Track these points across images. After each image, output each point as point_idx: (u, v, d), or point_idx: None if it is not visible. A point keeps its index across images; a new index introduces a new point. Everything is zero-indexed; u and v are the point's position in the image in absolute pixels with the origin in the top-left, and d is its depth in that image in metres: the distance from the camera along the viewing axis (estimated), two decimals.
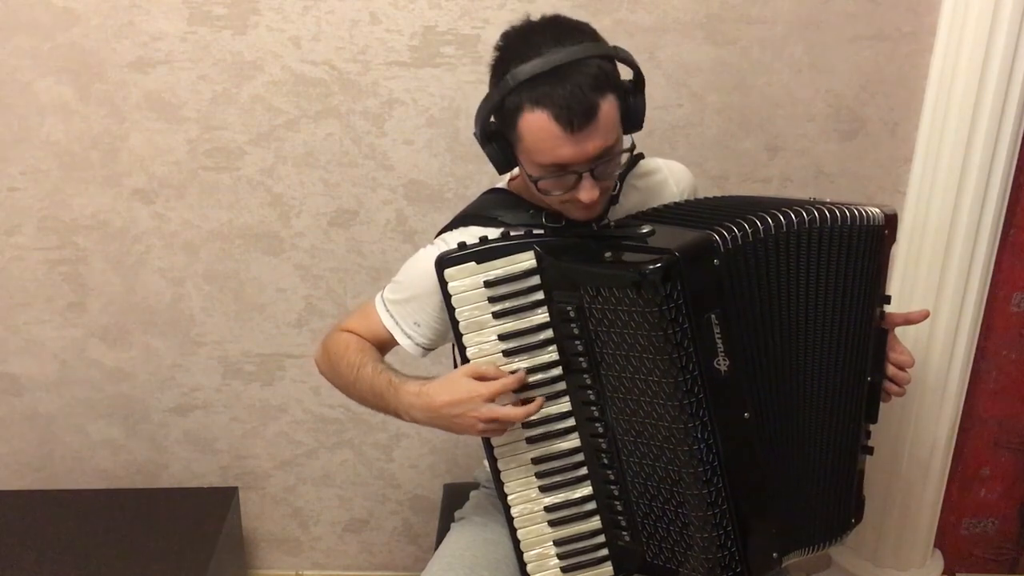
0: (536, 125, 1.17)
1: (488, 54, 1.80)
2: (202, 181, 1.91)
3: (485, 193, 1.43)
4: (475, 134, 1.28)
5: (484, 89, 1.81)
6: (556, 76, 1.15)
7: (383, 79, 1.83)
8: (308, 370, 2.07)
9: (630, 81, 1.24)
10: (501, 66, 1.22)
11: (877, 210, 1.27)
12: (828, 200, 1.30)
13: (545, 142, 1.17)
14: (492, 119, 1.25)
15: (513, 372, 1.25)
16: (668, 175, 1.46)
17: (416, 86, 1.84)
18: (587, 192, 1.20)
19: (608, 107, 1.17)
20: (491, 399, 1.22)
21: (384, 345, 1.41)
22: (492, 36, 1.78)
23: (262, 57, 1.82)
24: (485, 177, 1.84)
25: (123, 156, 1.89)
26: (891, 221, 1.29)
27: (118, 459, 2.15)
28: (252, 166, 1.90)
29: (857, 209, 1.25)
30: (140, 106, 1.85)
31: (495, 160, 1.27)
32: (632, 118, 1.24)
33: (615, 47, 1.22)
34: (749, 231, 1.18)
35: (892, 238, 1.31)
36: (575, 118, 1.15)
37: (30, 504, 2.02)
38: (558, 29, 1.20)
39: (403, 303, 1.37)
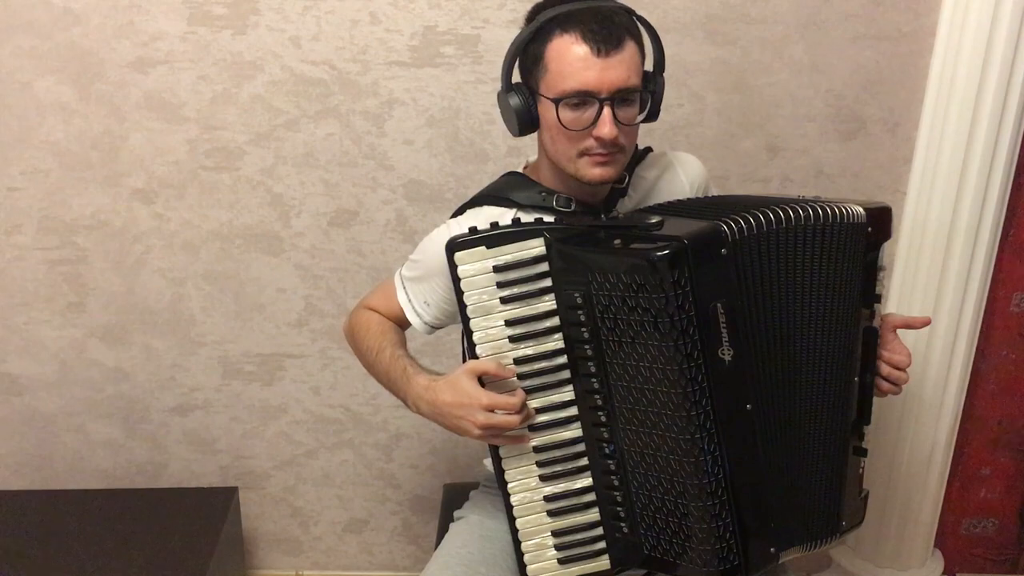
0: (564, 47, 1.22)
1: (488, 54, 1.82)
2: (202, 181, 1.91)
3: (501, 176, 1.45)
4: (499, 93, 1.32)
5: (484, 89, 1.83)
6: (588, 12, 1.22)
7: (383, 79, 1.83)
8: (308, 370, 2.07)
9: (653, 65, 1.31)
10: (533, 14, 1.28)
11: (859, 208, 1.28)
12: (812, 197, 1.31)
13: (572, 64, 1.21)
14: (517, 68, 1.30)
15: (516, 360, 1.26)
16: (677, 166, 1.47)
17: (416, 86, 1.84)
18: (607, 127, 1.22)
19: (633, 49, 1.24)
20: (489, 408, 1.23)
21: (401, 322, 1.46)
22: (492, 36, 1.79)
23: (262, 57, 1.82)
24: (485, 177, 1.84)
25: (123, 156, 1.89)
26: (877, 217, 1.29)
27: (118, 459, 2.15)
28: (252, 166, 1.90)
29: (839, 207, 1.26)
30: (140, 106, 1.85)
31: (517, 112, 1.29)
32: (652, 102, 1.29)
33: (642, 17, 1.29)
34: (754, 224, 1.20)
35: (883, 234, 1.31)
36: (603, 43, 1.20)
37: (30, 504, 2.01)
38: None
39: (416, 281, 1.42)
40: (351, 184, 1.91)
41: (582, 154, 1.27)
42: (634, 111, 1.27)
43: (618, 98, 1.23)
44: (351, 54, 1.82)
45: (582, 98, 1.23)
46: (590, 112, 1.23)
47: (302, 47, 1.81)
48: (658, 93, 1.30)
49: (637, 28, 1.26)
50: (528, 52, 1.27)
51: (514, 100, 1.29)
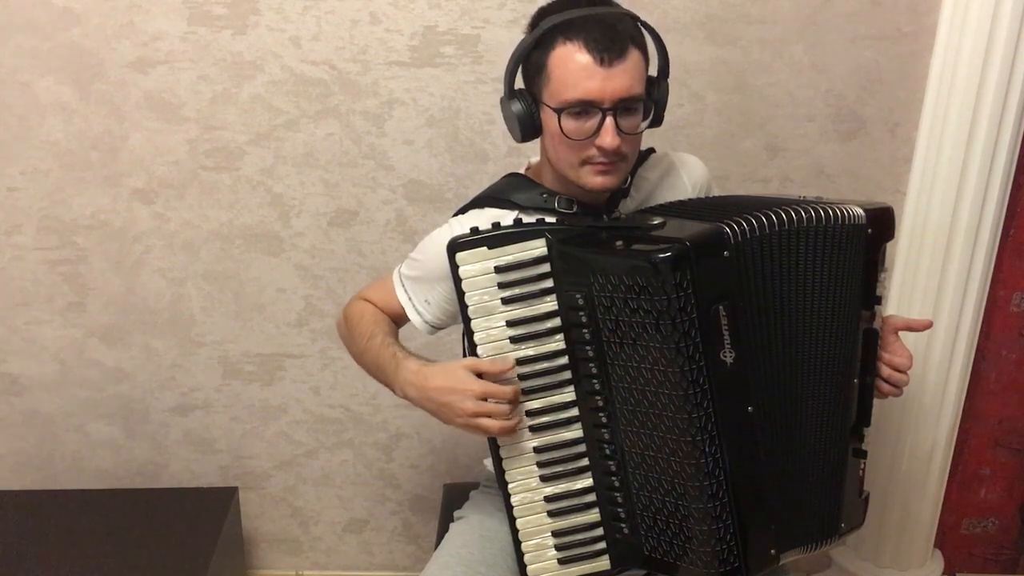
0: (567, 56, 1.21)
1: (488, 54, 1.82)
2: (202, 181, 1.91)
3: (502, 178, 1.45)
4: (501, 99, 1.31)
5: (484, 89, 1.83)
6: (592, 19, 1.21)
7: (383, 79, 1.83)
8: (308, 370, 2.07)
9: (657, 72, 1.30)
10: (536, 20, 1.27)
11: (859, 209, 1.27)
12: (814, 197, 1.31)
13: (574, 74, 1.20)
14: (519, 73, 1.29)
15: (517, 360, 1.26)
16: (680, 167, 1.47)
17: (416, 86, 1.84)
18: (609, 136, 1.21)
19: (636, 57, 1.22)
20: (481, 397, 1.23)
21: (398, 318, 1.45)
22: (492, 36, 1.79)
23: (262, 57, 1.82)
24: (485, 177, 1.84)
25: (123, 156, 1.89)
26: (878, 218, 1.29)
27: (118, 459, 2.15)
28: (252, 166, 1.90)
29: (839, 208, 1.25)
30: (140, 106, 1.85)
31: (519, 119, 1.28)
32: (656, 108, 1.28)
33: (646, 22, 1.27)
34: (756, 226, 1.20)
35: (885, 235, 1.31)
36: (606, 52, 1.19)
37: (30, 504, 2.02)
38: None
39: (416, 280, 1.41)
40: (351, 184, 1.91)
41: (584, 162, 1.26)
42: (637, 119, 1.26)
43: (621, 107, 1.22)
44: (351, 54, 1.82)
45: (584, 107, 1.22)
46: (592, 122, 1.22)
47: (302, 47, 1.81)
48: (662, 99, 1.29)
49: (641, 34, 1.25)
50: (531, 59, 1.26)
51: (516, 107, 1.28)
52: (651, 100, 1.27)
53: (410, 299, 1.42)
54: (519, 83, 1.31)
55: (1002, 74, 1.70)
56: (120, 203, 1.93)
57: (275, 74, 1.83)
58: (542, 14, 1.27)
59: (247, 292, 2.00)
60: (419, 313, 1.42)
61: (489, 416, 1.24)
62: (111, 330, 2.03)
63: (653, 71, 1.30)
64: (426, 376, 1.27)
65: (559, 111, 1.23)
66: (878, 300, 1.32)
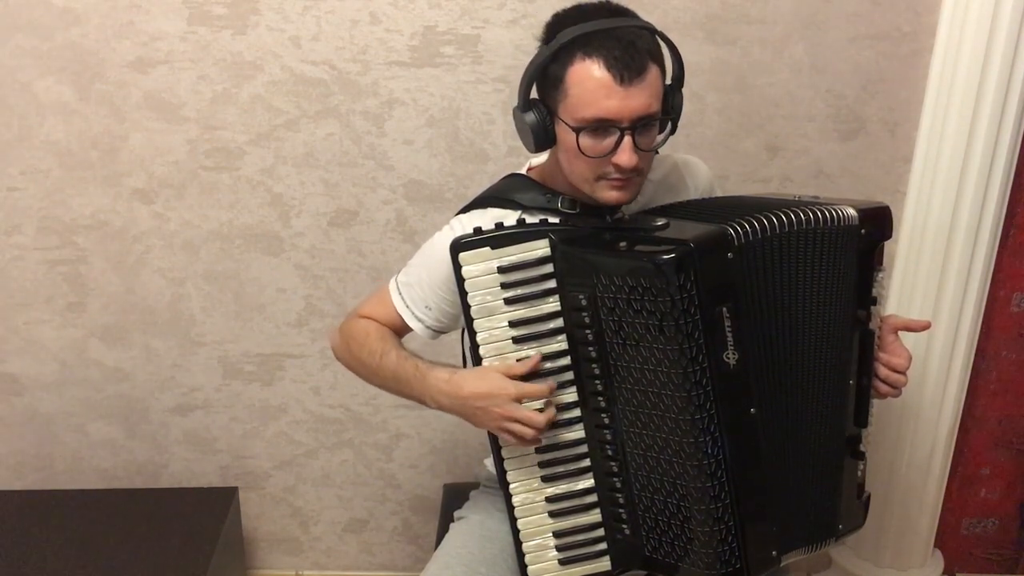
0: (586, 73, 1.19)
1: (488, 54, 1.82)
2: (202, 181, 1.91)
3: (504, 178, 1.44)
4: (515, 109, 1.29)
5: (484, 89, 1.83)
6: (611, 35, 1.19)
7: (383, 79, 1.83)
8: (308, 370, 2.07)
9: (672, 80, 1.29)
10: (552, 30, 1.24)
11: (852, 210, 1.27)
12: (811, 197, 1.31)
13: (593, 92, 1.19)
14: (535, 84, 1.27)
15: (523, 360, 1.26)
16: (683, 169, 1.46)
17: (416, 86, 1.84)
18: (626, 155, 1.21)
19: (655, 74, 1.21)
20: (518, 399, 1.23)
21: (399, 329, 1.43)
22: (492, 36, 1.79)
23: (262, 57, 1.82)
24: (485, 177, 1.84)
25: (123, 156, 1.89)
26: (872, 218, 1.29)
27: (118, 459, 2.15)
28: (252, 166, 1.90)
29: (832, 209, 1.25)
30: (140, 106, 1.85)
31: (533, 130, 1.26)
32: (671, 117, 1.28)
33: (663, 33, 1.26)
34: (759, 227, 1.20)
35: (880, 235, 1.31)
36: (626, 71, 1.17)
37: (30, 504, 2.02)
38: (612, 7, 1.25)
39: (415, 286, 1.39)
40: (351, 184, 1.91)
41: (600, 178, 1.25)
42: (654, 135, 1.25)
43: (639, 125, 1.21)
44: (351, 54, 1.82)
45: (603, 126, 1.21)
46: (610, 139, 1.21)
47: (302, 47, 1.81)
48: (677, 111, 1.28)
49: (659, 48, 1.23)
50: (548, 72, 1.23)
51: (531, 118, 1.26)
52: (668, 114, 1.26)
53: (408, 307, 1.40)
54: (533, 92, 1.29)
55: (1002, 74, 1.70)
56: (120, 203, 1.92)
57: (275, 74, 1.83)
58: (559, 24, 1.24)
59: (247, 292, 2.00)
60: (419, 320, 1.40)
61: (522, 422, 1.23)
62: (111, 330, 2.03)
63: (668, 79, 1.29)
64: (459, 384, 1.27)
65: (577, 129, 1.21)
66: (874, 301, 1.32)
